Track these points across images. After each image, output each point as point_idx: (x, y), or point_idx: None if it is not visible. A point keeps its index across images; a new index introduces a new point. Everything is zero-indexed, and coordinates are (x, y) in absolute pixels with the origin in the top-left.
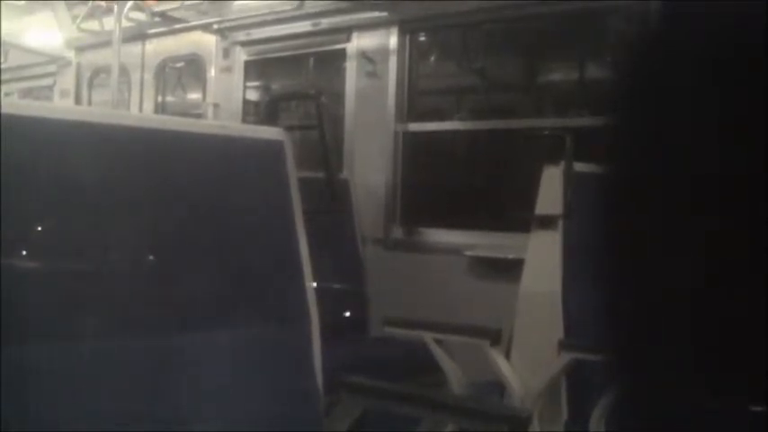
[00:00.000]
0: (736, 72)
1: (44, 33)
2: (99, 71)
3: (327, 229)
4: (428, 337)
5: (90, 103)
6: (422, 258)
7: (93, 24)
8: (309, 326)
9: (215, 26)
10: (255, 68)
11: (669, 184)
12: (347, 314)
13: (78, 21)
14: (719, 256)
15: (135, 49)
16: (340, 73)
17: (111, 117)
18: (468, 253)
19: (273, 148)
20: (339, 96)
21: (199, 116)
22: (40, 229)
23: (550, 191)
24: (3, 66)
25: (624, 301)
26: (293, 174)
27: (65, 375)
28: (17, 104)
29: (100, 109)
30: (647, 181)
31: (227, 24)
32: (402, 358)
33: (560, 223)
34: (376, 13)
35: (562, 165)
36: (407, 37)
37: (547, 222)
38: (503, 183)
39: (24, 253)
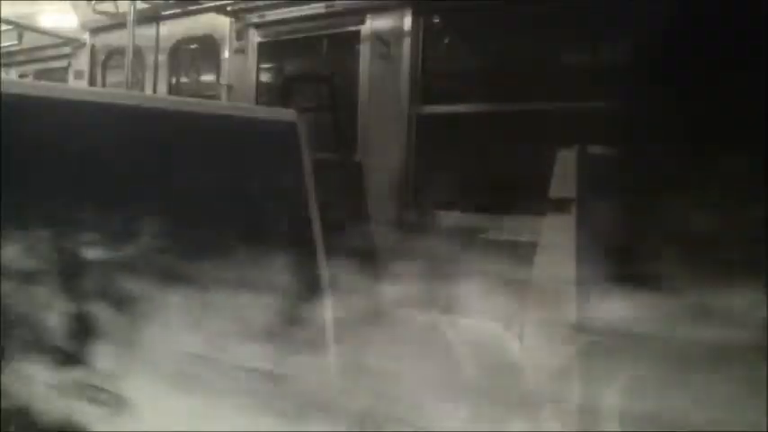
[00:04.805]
0: (740, 60)
1: (59, 15)
2: (113, 53)
3: (340, 211)
4: (440, 319)
5: (104, 84)
6: (435, 241)
7: (108, 6)
8: (323, 303)
9: (229, 8)
10: (269, 50)
11: (680, 167)
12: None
13: (93, 3)
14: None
15: (149, 31)
16: (354, 55)
17: (125, 98)
18: (482, 236)
19: (287, 130)
20: (353, 79)
21: (213, 98)
22: (53, 207)
23: (565, 174)
24: (18, 47)
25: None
26: (307, 155)
27: None
28: (31, 85)
29: (114, 90)
30: (659, 163)
31: (241, 6)
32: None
33: (574, 206)
34: None
35: (576, 148)
36: (421, 19)
37: (561, 205)
38: (517, 166)
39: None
